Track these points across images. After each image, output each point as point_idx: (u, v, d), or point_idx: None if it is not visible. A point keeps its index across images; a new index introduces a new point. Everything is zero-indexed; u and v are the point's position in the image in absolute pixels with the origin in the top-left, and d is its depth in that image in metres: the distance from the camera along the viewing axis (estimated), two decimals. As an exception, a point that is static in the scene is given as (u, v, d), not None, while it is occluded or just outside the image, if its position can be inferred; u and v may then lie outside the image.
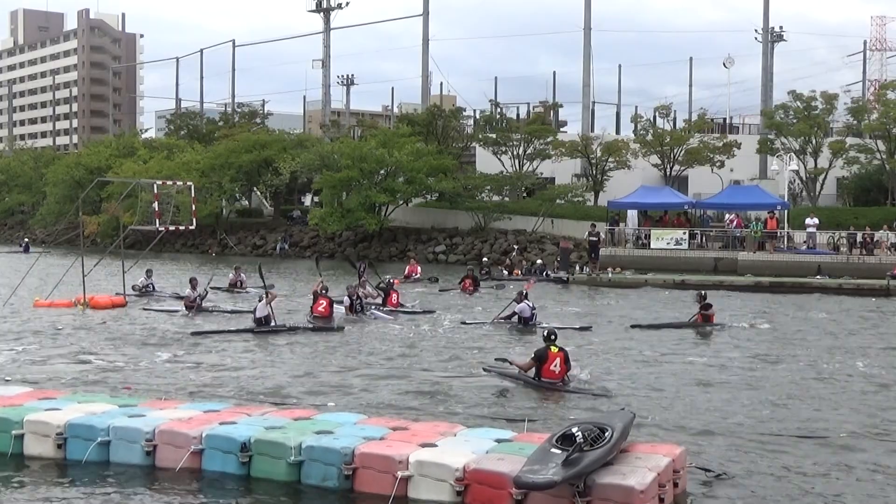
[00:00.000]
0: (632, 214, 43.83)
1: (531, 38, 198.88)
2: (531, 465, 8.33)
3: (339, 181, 49.79)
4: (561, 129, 64.19)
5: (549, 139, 52.82)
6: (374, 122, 78.82)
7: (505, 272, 36.57)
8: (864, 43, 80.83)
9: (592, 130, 59.50)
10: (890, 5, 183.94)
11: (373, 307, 23.09)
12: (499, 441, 9.45)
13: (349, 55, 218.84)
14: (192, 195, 33.75)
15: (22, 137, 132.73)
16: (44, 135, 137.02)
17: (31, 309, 24.10)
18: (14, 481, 9.39)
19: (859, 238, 37.87)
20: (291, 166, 54.79)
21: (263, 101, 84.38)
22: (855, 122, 49.00)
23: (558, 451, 8.42)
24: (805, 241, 39.60)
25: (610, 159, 50.46)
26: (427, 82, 68.10)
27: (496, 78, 79.48)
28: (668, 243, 40.36)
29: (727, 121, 62.90)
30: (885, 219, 40.14)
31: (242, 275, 30.79)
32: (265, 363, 16.26)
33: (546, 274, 35.57)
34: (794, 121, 48.23)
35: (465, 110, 67.02)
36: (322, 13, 71.58)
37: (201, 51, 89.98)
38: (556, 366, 13.81)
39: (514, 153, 53.20)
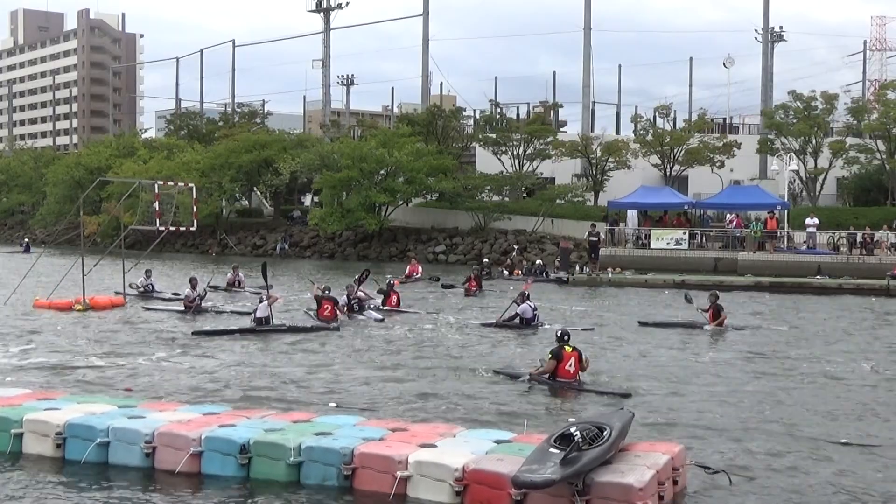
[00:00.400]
0: (632, 214, 43.83)
1: (531, 38, 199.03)
2: (529, 464, 8.34)
3: (339, 181, 49.81)
4: (561, 129, 64.20)
5: (549, 139, 52.83)
6: (374, 122, 78.83)
7: (505, 272, 36.58)
8: (864, 43, 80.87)
9: (592, 130, 59.49)
10: (890, 5, 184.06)
11: (369, 309, 22.99)
12: (498, 442, 9.46)
13: (349, 55, 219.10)
14: (194, 196, 33.77)
15: (22, 137, 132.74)
16: (44, 135, 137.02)
17: (31, 309, 24.10)
18: (13, 480, 9.40)
19: (859, 238, 37.87)
20: (291, 166, 54.80)
21: (263, 101, 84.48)
22: (855, 122, 49.00)
23: (556, 451, 8.43)
24: (805, 241, 39.60)
25: (610, 159, 50.47)
26: (427, 82, 68.13)
27: (496, 78, 79.61)
28: (668, 243, 40.36)
29: (727, 121, 62.90)
30: (885, 219, 40.14)
31: (240, 274, 30.81)
32: (265, 364, 16.25)
33: (546, 274, 35.57)
34: (794, 121, 48.23)
35: (465, 110, 67.08)
36: (322, 13, 71.60)
37: (201, 51, 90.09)
38: (570, 365, 13.83)
39: (514, 153, 53.21)
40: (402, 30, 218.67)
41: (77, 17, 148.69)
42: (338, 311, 21.70)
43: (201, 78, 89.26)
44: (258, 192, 65.15)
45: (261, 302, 20.48)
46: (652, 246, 40.56)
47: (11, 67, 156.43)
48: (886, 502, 9.12)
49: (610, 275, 34.61)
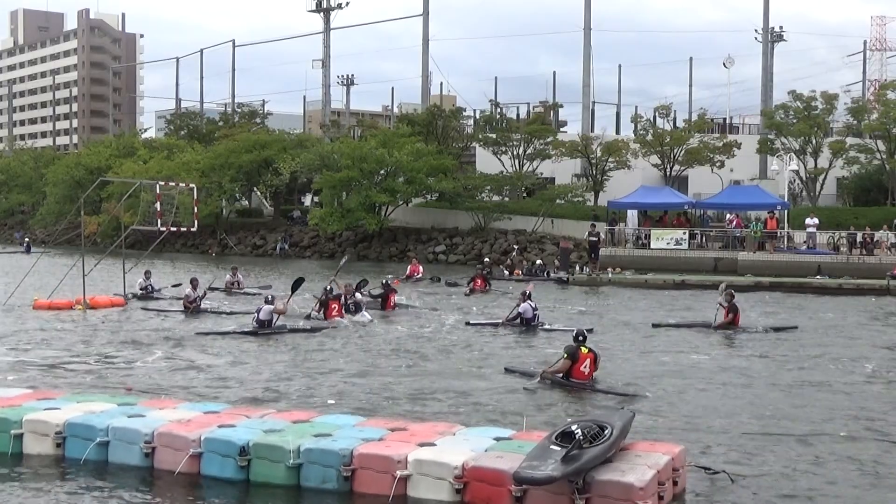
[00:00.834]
0: (632, 214, 43.84)
1: (531, 38, 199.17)
2: (530, 461, 8.35)
3: (339, 181, 49.82)
4: (561, 129, 64.22)
5: (549, 139, 52.84)
6: (374, 122, 78.86)
7: (506, 272, 36.60)
8: (864, 43, 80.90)
9: (592, 130, 59.50)
10: (890, 5, 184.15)
11: (364, 311, 22.92)
12: (498, 439, 9.45)
13: (349, 55, 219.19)
14: (195, 197, 33.76)
15: (22, 137, 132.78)
16: (44, 135, 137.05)
17: (31, 309, 24.10)
18: (13, 480, 9.40)
19: (859, 238, 37.87)
20: (291, 166, 54.82)
21: (263, 101, 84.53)
22: (855, 122, 49.01)
23: (557, 448, 8.44)
24: (805, 241, 39.61)
25: (610, 159, 50.48)
26: (427, 82, 68.14)
27: (496, 78, 79.63)
28: (668, 243, 40.37)
29: (727, 121, 62.91)
30: (885, 219, 40.14)
31: (239, 275, 30.82)
32: (265, 364, 16.25)
33: (547, 274, 35.58)
34: (794, 121, 48.24)
35: (465, 110, 67.12)
36: (322, 13, 71.60)
37: (201, 51, 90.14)
38: (585, 367, 13.77)
39: (514, 153, 53.22)
40: (402, 30, 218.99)
41: (77, 17, 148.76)
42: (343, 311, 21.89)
43: (201, 78, 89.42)
44: (258, 192, 65.16)
45: (266, 303, 20.36)
46: (652, 246, 40.57)
47: (11, 67, 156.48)
48: (887, 502, 9.12)
49: (610, 275, 34.61)
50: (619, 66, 75.26)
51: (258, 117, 77.18)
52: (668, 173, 50.65)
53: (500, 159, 53.28)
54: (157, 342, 18.70)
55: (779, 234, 39.92)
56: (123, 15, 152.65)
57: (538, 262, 38.42)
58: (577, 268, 36.96)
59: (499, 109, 63.19)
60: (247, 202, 65.73)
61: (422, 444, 9.15)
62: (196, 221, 33.27)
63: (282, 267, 43.68)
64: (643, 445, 9.28)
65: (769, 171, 50.75)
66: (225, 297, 28.11)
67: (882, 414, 12.62)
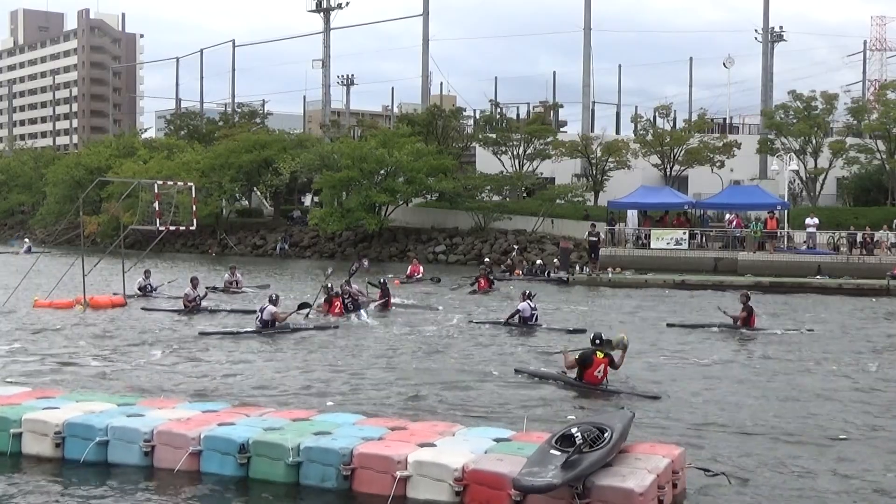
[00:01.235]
0: (632, 214, 43.83)
1: (531, 38, 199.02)
2: (530, 466, 8.32)
3: (339, 181, 49.80)
4: (561, 129, 64.21)
5: (549, 139, 52.81)
6: (374, 122, 78.85)
7: (507, 272, 36.56)
8: (864, 43, 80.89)
9: (592, 130, 59.47)
10: (890, 5, 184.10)
11: (362, 310, 22.94)
12: (497, 440, 9.44)
13: (349, 55, 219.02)
14: (194, 196, 33.72)
15: (22, 137, 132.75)
16: (44, 135, 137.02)
17: (30, 309, 24.09)
18: (12, 480, 9.39)
19: (859, 238, 37.85)
20: (291, 166, 54.79)
21: (263, 101, 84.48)
22: (855, 122, 48.98)
23: (558, 453, 8.41)
24: (805, 241, 39.59)
25: (610, 159, 50.46)
26: (427, 82, 68.11)
27: (496, 78, 79.63)
28: (668, 243, 40.35)
29: (727, 121, 62.90)
30: (885, 219, 40.12)
31: (238, 275, 30.83)
32: (265, 363, 16.24)
33: (547, 274, 35.57)
34: (794, 121, 48.21)
35: (465, 110, 67.11)
36: (322, 13, 71.56)
37: (201, 51, 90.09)
38: (599, 371, 13.68)
39: (514, 153, 53.20)
40: (402, 30, 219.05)
41: (77, 17, 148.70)
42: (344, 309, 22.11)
43: (201, 78, 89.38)
44: (258, 192, 65.14)
45: (270, 303, 20.39)
46: (652, 246, 40.55)
47: (11, 67, 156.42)
48: (888, 502, 9.11)
49: (610, 275, 34.60)
50: (619, 66, 75.37)
51: (258, 117, 77.16)
52: (668, 173, 50.63)
53: (500, 159, 53.26)
54: (157, 342, 18.69)
55: (779, 234, 39.91)
56: (123, 15, 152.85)
57: (538, 262, 38.40)
58: (577, 268, 36.94)
59: (499, 109, 63.17)
60: (247, 202, 65.71)
61: (421, 445, 9.14)
62: (195, 220, 33.24)
63: (282, 267, 43.66)
64: (643, 447, 9.26)
65: (769, 171, 50.73)
66: (224, 297, 28.10)
67: (884, 416, 12.60)
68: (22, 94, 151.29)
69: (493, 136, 54.42)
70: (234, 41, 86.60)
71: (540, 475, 8.10)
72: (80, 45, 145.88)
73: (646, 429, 11.35)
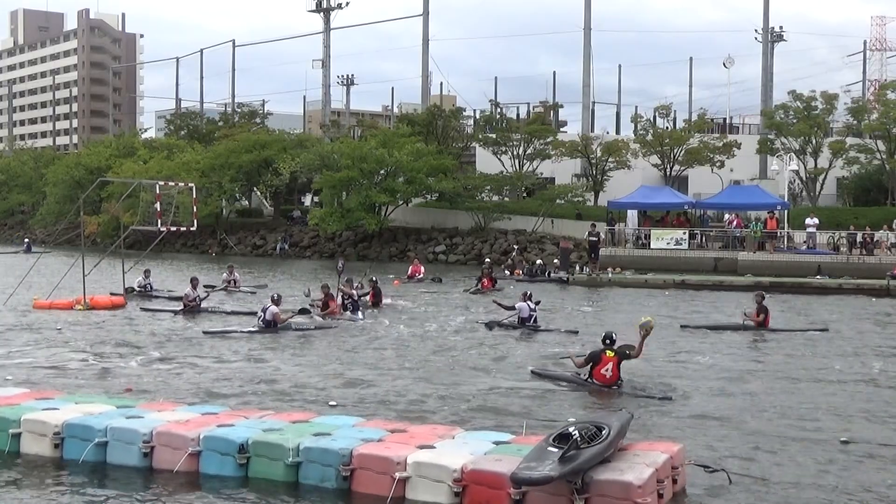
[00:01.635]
0: (632, 214, 43.84)
1: (531, 38, 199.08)
2: (528, 462, 8.33)
3: (339, 181, 49.81)
4: (561, 129, 64.22)
5: (549, 139, 52.84)
6: (374, 122, 78.86)
7: (507, 272, 36.56)
8: (864, 43, 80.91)
9: (592, 130, 59.50)
10: (890, 5, 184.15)
11: (359, 311, 22.94)
12: (497, 443, 9.43)
13: (349, 55, 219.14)
14: (194, 196, 33.74)
15: (22, 137, 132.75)
16: (44, 135, 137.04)
17: (30, 309, 24.09)
18: (10, 480, 9.38)
19: (859, 238, 37.86)
20: (291, 166, 54.82)
21: (263, 101, 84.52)
22: (855, 122, 48.99)
23: (555, 449, 8.42)
24: (805, 241, 39.59)
25: (610, 159, 50.47)
26: (427, 82, 68.14)
27: (496, 78, 79.64)
28: (668, 243, 40.36)
29: (727, 121, 62.91)
30: (885, 219, 40.13)
31: (236, 274, 30.85)
32: (265, 364, 16.23)
33: (547, 274, 35.57)
34: (794, 121, 48.23)
35: (465, 110, 67.13)
36: (322, 13, 71.60)
37: (201, 51, 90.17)
38: (607, 370, 13.69)
39: (514, 153, 53.21)
40: (402, 30, 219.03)
41: (77, 17, 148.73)
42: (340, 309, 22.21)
43: (201, 78, 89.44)
44: (258, 192, 65.16)
45: (272, 303, 20.44)
46: (652, 246, 40.56)
47: (11, 67, 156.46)
48: (886, 502, 9.11)
49: (610, 275, 34.60)
50: (619, 66, 75.42)
51: (258, 117, 77.19)
52: (668, 173, 50.64)
53: (500, 159, 53.27)
54: (157, 342, 18.68)
55: (779, 234, 39.91)
56: (123, 15, 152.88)
57: (538, 262, 38.40)
58: (577, 268, 36.94)
59: (499, 109, 63.20)
60: (247, 202, 65.74)
61: (421, 447, 9.14)
62: (195, 221, 33.25)
63: (282, 267, 43.66)
64: (642, 445, 9.28)
65: (769, 171, 50.74)
66: (222, 296, 28.09)
67: (885, 416, 12.59)
68: (22, 94, 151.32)
69: (493, 136, 54.45)
70: (234, 41, 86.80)
71: (537, 469, 8.11)
72: (80, 45, 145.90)
73: (655, 430, 11.37)
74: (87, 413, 10.36)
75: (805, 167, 47.99)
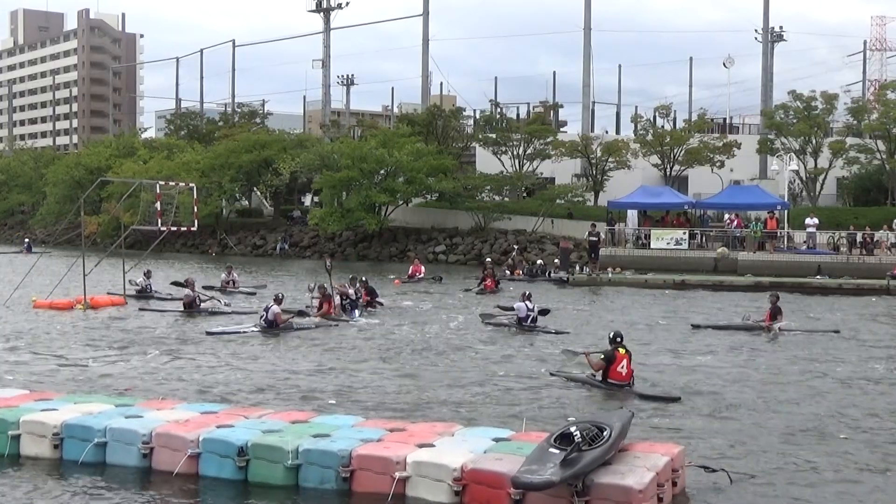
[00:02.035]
0: (632, 214, 43.82)
1: (531, 38, 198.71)
2: (529, 464, 8.32)
3: (339, 181, 49.79)
4: (561, 129, 64.17)
5: (549, 139, 52.78)
6: (374, 122, 78.82)
7: (507, 272, 36.55)
8: (864, 43, 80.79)
9: (592, 130, 59.44)
10: (890, 5, 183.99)
11: (355, 311, 22.94)
12: (496, 440, 9.44)
13: (349, 55, 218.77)
14: (195, 196, 33.74)
15: (22, 137, 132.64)
16: (44, 135, 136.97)
17: (31, 309, 24.09)
18: (10, 481, 9.37)
19: (859, 238, 37.83)
20: (291, 166, 54.79)
21: (263, 101, 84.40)
22: (855, 122, 48.94)
23: (556, 451, 8.41)
24: (805, 241, 39.57)
25: (610, 159, 50.45)
26: (427, 82, 68.08)
27: (496, 78, 79.49)
28: (668, 243, 40.34)
29: (727, 121, 62.85)
30: (885, 219, 40.10)
31: (234, 274, 30.86)
32: (264, 364, 16.23)
33: (548, 274, 35.56)
34: (794, 121, 48.17)
35: (465, 110, 67.03)
36: (322, 13, 71.55)
37: (201, 51, 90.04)
38: (622, 367, 13.74)
39: (514, 153, 53.18)
40: (402, 30, 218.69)
41: (77, 17, 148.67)
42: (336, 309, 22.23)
43: (201, 78, 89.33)
44: (258, 192, 65.13)
45: (275, 302, 20.48)
46: (652, 246, 40.54)
47: (11, 67, 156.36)
48: (886, 501, 9.11)
49: (610, 275, 34.59)
50: (619, 66, 75.26)
51: (258, 117, 77.13)
52: (668, 173, 50.61)
53: (500, 159, 53.24)
54: (157, 342, 18.68)
55: (779, 234, 39.89)
56: (123, 15, 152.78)
57: (539, 262, 38.38)
58: (577, 268, 36.93)
59: (499, 109, 63.13)
60: (247, 202, 65.70)
61: (420, 445, 9.14)
62: (196, 221, 33.26)
63: (282, 267, 43.64)
64: (642, 446, 9.27)
65: (769, 171, 50.70)
66: (221, 296, 28.06)
67: (887, 416, 12.58)
68: (22, 94, 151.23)
69: (493, 136, 54.39)
70: (234, 41, 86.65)
71: (539, 473, 8.10)
72: (80, 45, 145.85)
73: (657, 429, 11.37)
74: (86, 413, 10.35)
75: (805, 167, 47.95)
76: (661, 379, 14.78)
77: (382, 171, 50.23)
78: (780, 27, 62.22)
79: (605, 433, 8.67)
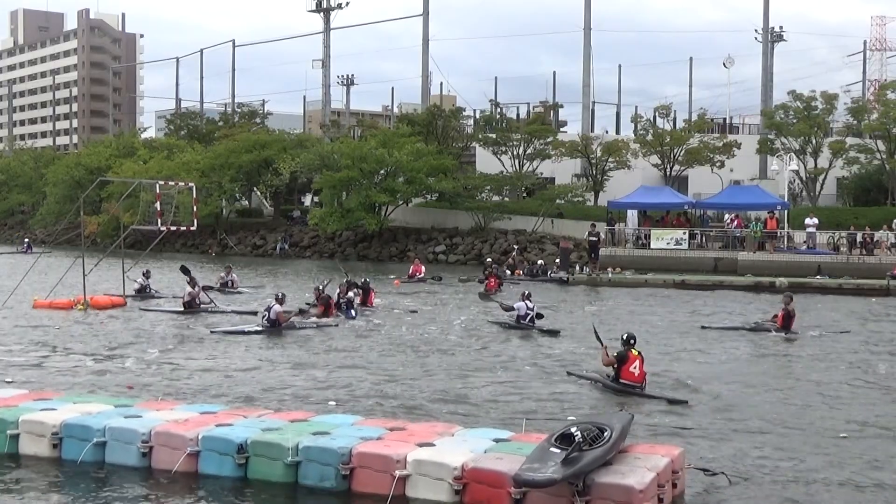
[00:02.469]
0: (632, 214, 43.82)
1: (531, 38, 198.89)
2: (530, 463, 8.32)
3: (339, 181, 49.80)
4: (561, 129, 64.17)
5: (549, 139, 52.79)
6: (374, 122, 78.81)
7: (508, 272, 36.55)
8: (864, 43, 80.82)
9: (592, 130, 59.44)
10: (890, 5, 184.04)
11: (351, 310, 22.96)
12: (497, 441, 9.42)
13: (349, 55, 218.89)
14: (195, 196, 33.72)
15: (22, 137, 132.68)
16: (44, 135, 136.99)
17: (30, 309, 24.07)
18: (9, 481, 9.36)
19: (859, 238, 37.84)
20: (291, 166, 54.79)
21: (263, 101, 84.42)
22: (855, 122, 48.95)
23: (557, 451, 8.41)
24: (805, 241, 39.57)
25: (610, 159, 50.45)
26: (427, 82, 68.08)
27: (496, 78, 79.53)
28: (668, 243, 40.34)
29: (727, 121, 62.87)
30: (885, 219, 40.10)
31: (233, 275, 30.86)
32: (264, 364, 16.22)
33: (548, 274, 35.56)
34: (794, 121, 48.18)
35: (465, 110, 67.03)
36: (322, 13, 71.56)
37: (201, 51, 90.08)
38: (635, 368, 13.71)
39: (514, 153, 53.18)
40: (402, 30, 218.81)
41: (77, 17, 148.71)
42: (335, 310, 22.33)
43: (201, 78, 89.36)
44: (258, 192, 65.14)
45: (276, 302, 20.50)
46: (652, 246, 40.54)
47: (11, 67, 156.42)
48: (885, 501, 9.10)
49: (610, 275, 34.59)
50: (619, 66, 75.30)
51: (258, 117, 77.13)
52: (668, 173, 50.62)
53: (500, 159, 53.24)
54: (157, 342, 18.67)
55: (779, 234, 39.89)
56: (123, 15, 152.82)
57: (540, 262, 38.38)
58: (577, 268, 36.93)
59: (499, 109, 63.14)
60: (247, 202, 65.70)
61: (421, 445, 9.12)
62: (196, 221, 33.24)
63: (282, 267, 43.63)
64: (642, 447, 9.26)
65: (769, 171, 50.71)
66: (220, 297, 28.04)
67: (888, 416, 12.56)
68: (22, 94, 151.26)
69: (493, 136, 54.41)
70: (234, 41, 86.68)
71: (540, 471, 8.11)
72: (80, 45, 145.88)
73: (658, 430, 11.36)
74: (85, 413, 10.34)
75: (805, 167, 47.96)
76: (662, 379, 14.75)
77: (382, 171, 50.24)
78: (780, 27, 62.31)
79: (605, 434, 8.67)
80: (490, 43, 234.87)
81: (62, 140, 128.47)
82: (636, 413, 11.17)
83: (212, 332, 19.77)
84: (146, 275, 28.69)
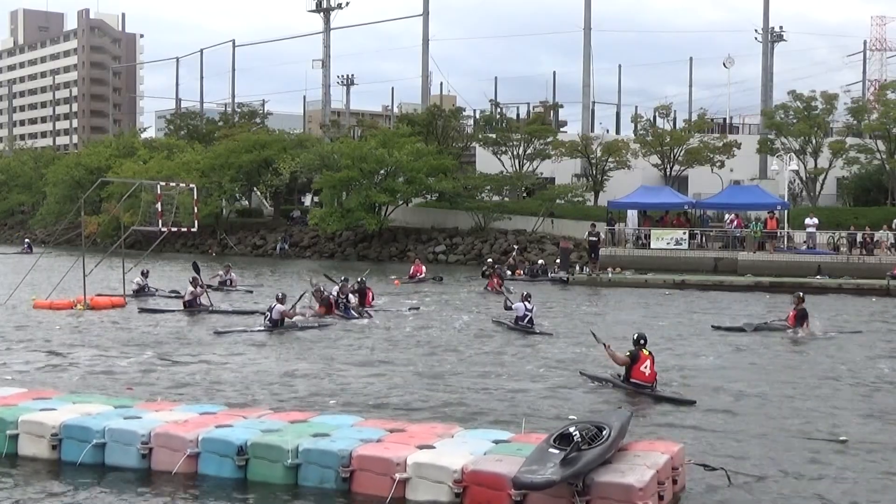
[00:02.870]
0: (632, 214, 43.81)
1: (531, 38, 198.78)
2: (529, 465, 8.32)
3: (339, 181, 49.79)
4: (561, 129, 64.15)
5: (549, 139, 52.79)
6: (374, 122, 78.79)
7: (508, 272, 36.53)
8: (864, 43, 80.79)
9: (592, 130, 59.44)
10: (890, 5, 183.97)
11: (350, 309, 22.99)
12: (496, 442, 9.42)
13: (349, 55, 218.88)
14: (195, 197, 33.73)
15: (22, 137, 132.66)
16: (44, 135, 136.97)
17: (30, 309, 24.07)
18: (7, 482, 9.34)
19: (859, 238, 37.83)
20: (291, 166, 54.79)
21: (263, 101, 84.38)
22: (855, 122, 48.94)
23: (556, 451, 8.40)
24: (805, 241, 39.56)
25: (610, 159, 50.45)
26: (427, 82, 68.08)
27: (496, 78, 79.51)
28: (668, 243, 40.33)
29: (727, 121, 62.85)
30: (885, 219, 40.08)
31: (232, 274, 30.88)
32: (264, 363, 16.22)
33: (548, 274, 35.55)
34: (794, 121, 48.17)
35: (465, 110, 67.01)
36: (322, 13, 71.56)
37: (201, 51, 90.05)
38: (646, 367, 13.72)
39: (514, 153, 53.18)
40: (402, 30, 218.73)
41: (77, 17, 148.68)
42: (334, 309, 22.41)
43: (201, 78, 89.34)
44: (258, 192, 65.12)
45: (278, 301, 20.53)
46: (652, 246, 40.53)
47: (11, 67, 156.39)
48: (885, 501, 9.09)
49: (610, 275, 34.58)
50: (619, 66, 75.27)
51: (258, 117, 77.10)
52: (668, 173, 50.61)
53: (500, 159, 53.24)
54: (157, 342, 18.66)
55: (779, 234, 39.88)
56: (123, 15, 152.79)
57: (540, 262, 38.37)
58: (577, 268, 36.92)
59: (499, 109, 63.12)
60: (247, 202, 65.69)
61: (420, 447, 9.11)
62: (196, 221, 33.25)
63: (282, 267, 43.63)
64: (642, 445, 9.26)
65: (769, 171, 50.69)
66: (219, 296, 28.02)
67: (888, 418, 12.56)
68: (22, 94, 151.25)
69: (493, 136, 54.40)
70: (234, 41, 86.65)
71: (539, 472, 8.10)
72: (80, 45, 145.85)
73: (658, 428, 11.35)
74: (84, 413, 10.32)
75: (805, 167, 47.95)
76: (664, 379, 14.76)
77: (382, 171, 50.24)
78: (780, 27, 62.31)
79: (604, 432, 8.67)
80: (490, 43, 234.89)
81: (62, 140, 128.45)
82: (639, 412, 11.17)
83: (216, 332, 19.78)
84: (144, 274, 28.69)
